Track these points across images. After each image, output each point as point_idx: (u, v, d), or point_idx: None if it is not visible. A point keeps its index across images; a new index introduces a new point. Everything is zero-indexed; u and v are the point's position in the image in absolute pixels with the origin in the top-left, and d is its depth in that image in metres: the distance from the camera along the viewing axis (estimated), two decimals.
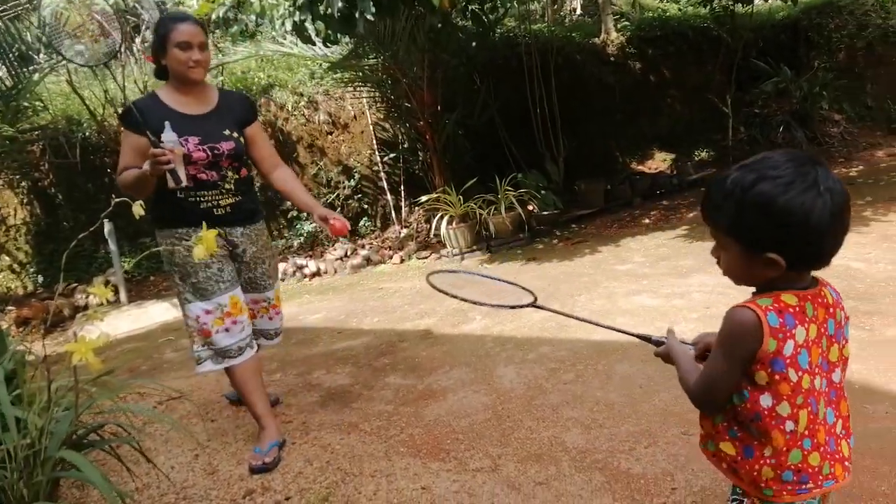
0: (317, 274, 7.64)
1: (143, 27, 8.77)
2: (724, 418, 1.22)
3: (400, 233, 8.39)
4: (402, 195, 8.66)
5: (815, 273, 1.20)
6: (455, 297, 1.76)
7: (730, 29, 9.38)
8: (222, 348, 2.74)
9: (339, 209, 8.58)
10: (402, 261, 7.70)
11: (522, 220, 7.36)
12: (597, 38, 10.18)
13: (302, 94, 8.81)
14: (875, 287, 3.83)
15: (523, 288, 1.79)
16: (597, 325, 1.68)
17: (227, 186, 2.73)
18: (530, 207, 7.62)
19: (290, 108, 8.67)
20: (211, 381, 3.70)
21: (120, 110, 2.80)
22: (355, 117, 8.90)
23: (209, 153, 2.65)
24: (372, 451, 2.70)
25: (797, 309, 1.14)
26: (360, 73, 7.98)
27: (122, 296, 7.24)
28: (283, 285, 7.41)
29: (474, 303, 1.78)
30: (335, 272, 7.64)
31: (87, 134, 7.71)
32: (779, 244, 1.11)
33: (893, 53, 10.62)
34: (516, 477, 2.35)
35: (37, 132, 7.49)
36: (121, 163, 2.65)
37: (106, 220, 6.92)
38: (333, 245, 8.22)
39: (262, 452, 2.72)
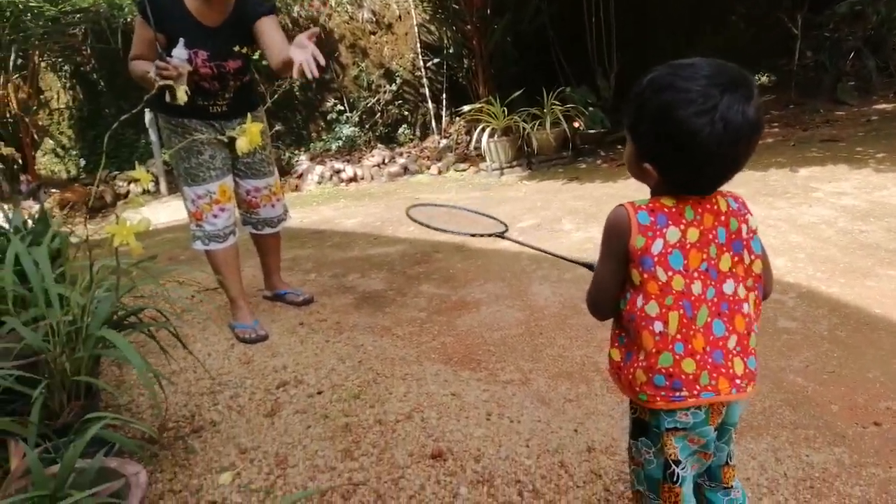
0: (353, 179, 7.60)
1: None
2: (616, 325, 1.24)
3: (439, 143, 8.23)
4: (444, 104, 8.42)
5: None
6: (431, 227, 1.84)
7: None
8: (209, 232, 2.91)
9: (379, 114, 8.41)
10: (440, 172, 7.59)
11: (567, 137, 7.11)
12: None
13: None
14: None
15: (497, 220, 1.87)
16: (553, 255, 1.71)
17: (227, 95, 2.84)
18: (576, 124, 7.35)
19: (333, 4, 8.35)
20: (248, 276, 3.74)
21: None
22: (400, 17, 8.55)
23: (215, 70, 2.73)
24: (404, 356, 2.72)
25: (673, 210, 1.13)
26: None
27: (163, 186, 7.33)
28: (319, 188, 7.41)
29: (449, 232, 1.85)
30: (372, 179, 7.58)
31: (128, 20, 7.57)
32: (659, 157, 1.11)
33: None
34: (546, 392, 2.34)
35: (79, 15, 7.36)
36: (133, 48, 2.71)
37: (146, 110, 6.90)
38: (371, 152, 8.12)
39: (250, 327, 2.95)
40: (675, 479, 1.22)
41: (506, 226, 1.89)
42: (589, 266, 1.47)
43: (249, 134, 2.19)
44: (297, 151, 8.20)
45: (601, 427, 2.08)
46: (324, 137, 8.31)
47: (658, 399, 1.17)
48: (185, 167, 2.84)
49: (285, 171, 7.62)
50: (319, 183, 7.55)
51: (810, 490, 1.72)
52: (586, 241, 3.99)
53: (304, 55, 2.37)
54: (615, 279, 1.19)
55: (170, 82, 2.41)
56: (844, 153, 5.96)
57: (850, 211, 4.13)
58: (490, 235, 1.89)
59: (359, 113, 8.32)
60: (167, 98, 2.45)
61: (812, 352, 2.45)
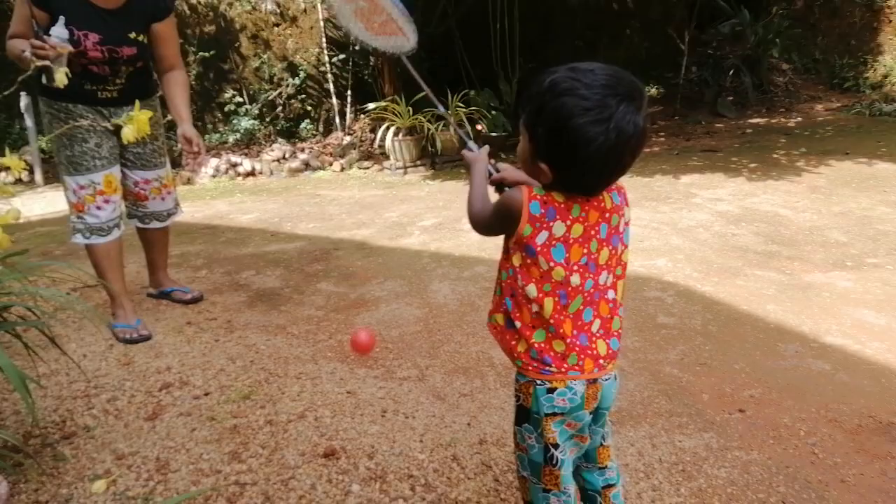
0: (251, 174, 7.36)
1: None
2: (501, 292, 1.30)
3: (343, 140, 8.12)
4: (349, 101, 8.33)
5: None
6: (339, 22, 1.79)
7: None
8: (91, 225, 2.73)
9: (280, 108, 8.20)
10: (343, 169, 7.50)
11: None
12: None
13: None
14: (799, 235, 3.99)
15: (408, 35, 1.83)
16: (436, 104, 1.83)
17: (118, 80, 2.69)
18: (479, 127, 7.48)
19: None
20: (131, 273, 3.54)
21: None
22: (305, 11, 8.39)
23: (107, 55, 2.58)
24: (298, 354, 2.66)
25: (562, 206, 1.18)
26: None
27: (38, 176, 6.80)
28: (214, 182, 7.12)
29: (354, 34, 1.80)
30: (271, 173, 7.38)
31: None
32: (554, 158, 1.15)
33: (848, 7, 10.74)
34: (442, 387, 2.37)
35: None
36: (11, 26, 2.52)
37: (23, 94, 6.37)
38: (271, 146, 7.89)
39: (131, 327, 2.79)
40: (554, 462, 1.29)
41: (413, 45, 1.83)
42: (464, 140, 1.60)
43: (137, 122, 2.07)
44: (197, 167, 7.84)
45: (493, 420, 2.13)
46: (220, 129, 7.99)
47: (530, 368, 1.25)
48: (67, 155, 2.64)
49: (177, 162, 7.26)
50: (214, 176, 7.26)
51: (682, 473, 1.84)
52: (485, 241, 4.06)
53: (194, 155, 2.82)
54: (495, 232, 1.31)
55: (46, 63, 2.24)
56: (721, 162, 6.44)
57: (725, 216, 4.46)
58: (393, 54, 1.87)
59: (259, 105, 8.06)
60: (44, 80, 2.28)
61: (687, 345, 2.63)
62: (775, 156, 6.62)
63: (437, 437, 2.05)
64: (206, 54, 7.74)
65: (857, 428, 2.03)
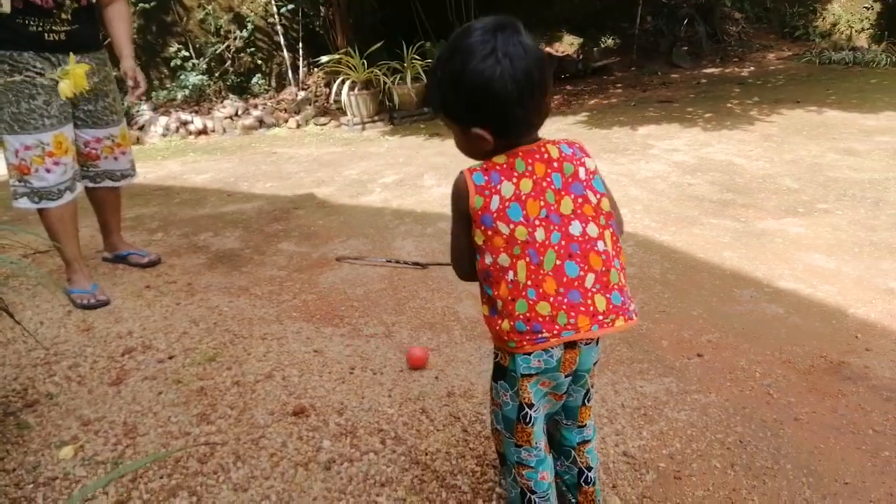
0: (203, 132, 7.13)
1: None
2: (480, 282, 1.29)
3: (297, 95, 7.90)
4: (301, 54, 8.07)
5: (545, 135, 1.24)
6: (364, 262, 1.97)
7: None
8: (38, 189, 2.60)
9: (229, 62, 7.90)
10: (299, 126, 7.32)
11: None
12: None
13: None
14: (753, 182, 4.09)
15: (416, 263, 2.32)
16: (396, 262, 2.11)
17: (63, 16, 2.53)
18: None
19: None
20: (85, 237, 3.42)
21: None
22: None
23: None
24: (263, 315, 2.64)
25: (505, 166, 1.18)
26: None
27: None
28: (164, 141, 6.88)
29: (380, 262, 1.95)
30: (224, 131, 7.16)
31: None
32: (477, 118, 1.15)
33: None
34: (409, 343, 2.38)
35: None
36: None
37: None
38: (223, 102, 7.63)
39: (88, 292, 2.73)
40: (527, 420, 1.30)
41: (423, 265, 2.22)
42: (417, 265, 1.60)
43: (73, 76, 1.96)
44: (137, 100, 7.51)
45: (460, 373, 2.16)
46: (168, 86, 7.67)
47: (525, 343, 1.20)
48: (12, 112, 2.49)
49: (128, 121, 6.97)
50: (164, 135, 7.00)
51: (644, 417, 1.91)
52: (446, 197, 4.03)
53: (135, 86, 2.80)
54: (467, 240, 1.25)
55: None
56: (677, 113, 6.51)
57: (681, 166, 4.53)
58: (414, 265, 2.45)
59: (207, 60, 7.75)
60: None
61: (646, 293, 2.70)
62: (729, 105, 6.72)
63: (405, 391, 2.07)
64: (147, 5, 7.37)
65: (810, 368, 2.13)
